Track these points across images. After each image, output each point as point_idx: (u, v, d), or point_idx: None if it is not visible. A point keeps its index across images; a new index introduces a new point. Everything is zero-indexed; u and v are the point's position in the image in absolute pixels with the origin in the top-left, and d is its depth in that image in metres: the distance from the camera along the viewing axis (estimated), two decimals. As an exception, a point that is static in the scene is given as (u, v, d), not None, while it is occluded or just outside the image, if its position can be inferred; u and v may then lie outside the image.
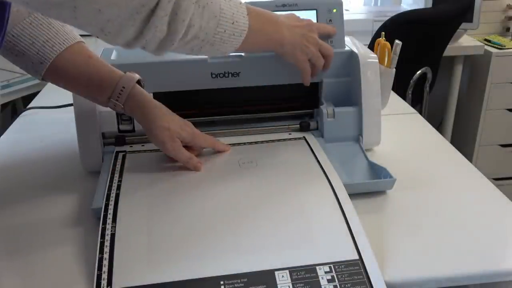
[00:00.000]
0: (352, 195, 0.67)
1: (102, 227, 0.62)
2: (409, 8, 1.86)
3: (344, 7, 0.86)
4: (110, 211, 0.65)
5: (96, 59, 0.70)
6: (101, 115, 0.78)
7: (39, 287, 0.57)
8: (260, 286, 0.54)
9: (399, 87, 1.13)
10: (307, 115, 0.89)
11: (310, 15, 0.83)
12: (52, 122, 1.00)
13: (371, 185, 0.73)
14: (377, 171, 0.75)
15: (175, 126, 0.73)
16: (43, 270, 0.59)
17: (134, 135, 0.81)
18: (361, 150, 0.81)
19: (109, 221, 0.63)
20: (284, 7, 0.83)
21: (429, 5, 1.87)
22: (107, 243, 0.60)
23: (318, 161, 0.75)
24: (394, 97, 1.10)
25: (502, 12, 2.22)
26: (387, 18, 1.63)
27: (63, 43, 0.67)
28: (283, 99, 0.89)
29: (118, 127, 0.80)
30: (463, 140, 2.22)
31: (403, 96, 1.67)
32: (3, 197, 0.75)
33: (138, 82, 0.73)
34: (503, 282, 0.59)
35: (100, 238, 0.60)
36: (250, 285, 0.54)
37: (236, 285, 0.54)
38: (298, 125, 0.86)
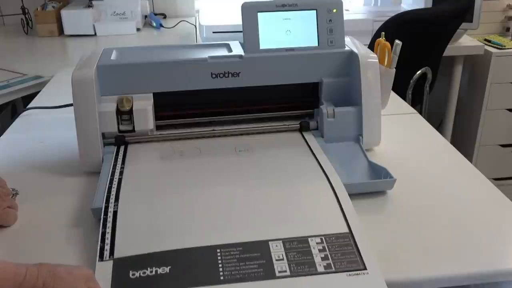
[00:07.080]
0: (352, 195, 0.67)
1: (105, 206, 0.65)
2: (409, 8, 1.86)
3: (344, 7, 0.85)
4: (113, 191, 0.67)
5: None
6: (101, 115, 0.78)
7: (39, 287, 0.57)
8: (255, 253, 0.57)
9: (399, 87, 1.13)
10: (307, 115, 0.89)
11: (310, 15, 0.83)
12: (52, 122, 1.00)
13: (371, 185, 0.73)
14: (377, 171, 0.75)
15: None
16: (43, 270, 0.59)
17: (134, 135, 0.81)
18: (361, 150, 0.81)
19: (112, 200, 0.66)
20: (284, 7, 0.83)
21: (429, 5, 1.86)
22: (109, 219, 0.63)
23: (310, 148, 0.79)
24: (394, 97, 1.10)
25: (502, 12, 2.22)
26: (387, 18, 1.62)
27: None
28: (283, 99, 0.89)
29: (118, 127, 0.80)
30: (463, 140, 2.21)
31: (403, 96, 1.67)
32: (3, 197, 0.74)
33: None
34: (503, 282, 0.59)
35: (103, 215, 0.63)
36: (245, 253, 0.57)
37: (232, 253, 0.57)
38: (298, 125, 0.86)
